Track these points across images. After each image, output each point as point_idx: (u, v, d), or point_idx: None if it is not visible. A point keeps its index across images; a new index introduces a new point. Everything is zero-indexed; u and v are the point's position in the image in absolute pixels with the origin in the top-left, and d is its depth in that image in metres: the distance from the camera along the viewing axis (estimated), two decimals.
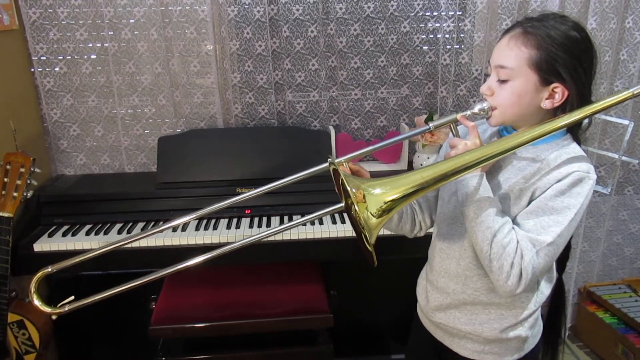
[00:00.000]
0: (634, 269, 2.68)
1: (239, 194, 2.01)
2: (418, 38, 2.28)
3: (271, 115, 2.33)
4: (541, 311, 1.31)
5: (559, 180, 1.06)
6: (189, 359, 1.95)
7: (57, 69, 2.18)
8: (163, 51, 2.18)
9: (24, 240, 1.88)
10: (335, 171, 1.01)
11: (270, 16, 2.18)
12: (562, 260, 1.29)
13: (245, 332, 1.91)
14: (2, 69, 1.97)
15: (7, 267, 1.72)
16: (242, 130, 2.22)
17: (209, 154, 2.12)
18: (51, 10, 2.10)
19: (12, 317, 1.86)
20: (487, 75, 1.15)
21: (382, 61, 2.30)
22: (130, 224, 1.99)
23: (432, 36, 2.28)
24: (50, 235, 1.91)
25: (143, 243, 1.84)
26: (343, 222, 1.97)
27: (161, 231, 1.26)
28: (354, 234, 1.01)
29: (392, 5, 2.22)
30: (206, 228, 1.94)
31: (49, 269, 1.17)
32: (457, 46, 2.27)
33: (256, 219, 2.02)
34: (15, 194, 1.75)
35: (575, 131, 1.16)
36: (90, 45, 2.17)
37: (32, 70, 2.17)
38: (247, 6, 2.16)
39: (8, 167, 1.75)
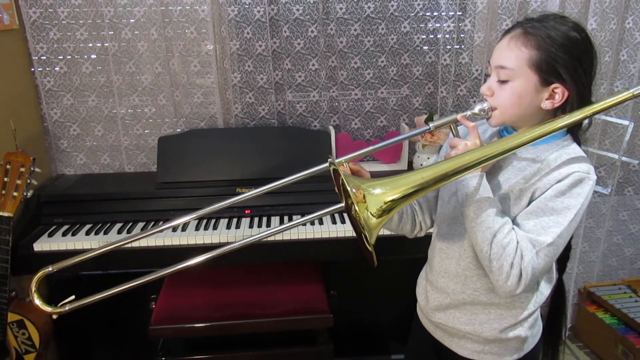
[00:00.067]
0: (634, 270, 2.68)
1: (239, 194, 2.01)
2: (418, 38, 2.28)
3: (271, 115, 2.33)
4: (541, 311, 1.31)
5: (559, 181, 1.07)
6: (189, 358, 1.95)
7: (57, 68, 2.18)
8: (163, 51, 2.18)
9: (24, 240, 1.88)
10: (336, 171, 1.01)
11: (270, 16, 2.18)
12: (563, 261, 1.29)
13: (245, 332, 1.91)
14: (2, 69, 1.97)
15: (7, 266, 1.72)
16: (242, 130, 2.22)
17: (209, 154, 2.12)
18: (51, 10, 2.10)
19: (12, 317, 1.86)
20: (487, 76, 1.16)
21: (382, 61, 2.30)
22: (130, 224, 1.99)
23: (432, 36, 2.28)
24: (50, 235, 1.91)
25: (143, 243, 1.84)
26: (343, 222, 1.97)
27: (161, 231, 1.26)
28: (354, 234, 1.01)
29: (392, 6, 2.22)
30: (206, 228, 1.94)
31: (50, 269, 1.17)
32: (457, 46, 2.27)
33: (256, 219, 2.02)
34: (15, 194, 1.75)
35: (575, 132, 1.16)
36: (91, 45, 2.17)
37: (32, 69, 2.17)
38: (247, 6, 2.16)
39: (8, 166, 1.75)
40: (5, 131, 1.87)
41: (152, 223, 2.01)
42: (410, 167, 2.34)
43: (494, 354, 1.26)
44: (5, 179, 1.75)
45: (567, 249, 1.19)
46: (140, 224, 2.00)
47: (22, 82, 2.12)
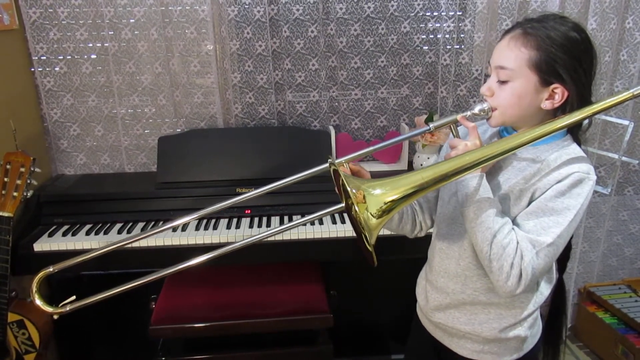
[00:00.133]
0: (634, 270, 2.68)
1: (239, 193, 2.02)
2: (418, 38, 2.28)
3: (271, 115, 2.33)
4: (541, 311, 1.31)
5: (559, 181, 1.07)
6: (189, 358, 1.95)
7: (57, 68, 2.18)
8: (163, 51, 2.18)
9: (24, 240, 1.88)
10: (336, 172, 1.01)
11: (270, 16, 2.18)
12: (563, 261, 1.29)
13: (245, 332, 1.91)
14: (2, 69, 1.97)
15: (7, 266, 1.73)
16: (242, 130, 2.22)
17: (209, 154, 2.12)
18: (51, 10, 2.10)
19: (12, 317, 1.86)
20: (487, 76, 1.16)
21: (382, 61, 2.30)
22: (130, 224, 1.99)
23: (432, 36, 2.28)
24: (50, 235, 1.91)
25: (143, 243, 1.84)
26: (343, 222, 1.97)
27: (164, 230, 1.26)
28: (354, 234, 1.01)
29: (392, 6, 2.22)
30: (206, 228, 1.94)
31: (51, 269, 1.17)
32: (457, 46, 2.27)
33: (256, 219, 2.02)
34: (15, 194, 1.75)
35: (575, 132, 1.16)
36: (91, 45, 2.17)
37: (32, 70, 2.17)
38: (247, 6, 2.16)
39: (8, 166, 1.76)
40: (5, 131, 1.87)
41: (152, 223, 2.01)
42: (410, 167, 2.34)
43: (494, 353, 1.26)
44: (5, 179, 1.75)
45: (567, 248, 1.19)
46: (140, 224, 2.00)
47: (22, 82, 2.13)
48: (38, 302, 1.13)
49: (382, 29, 2.25)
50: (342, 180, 0.98)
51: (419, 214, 1.39)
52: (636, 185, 2.51)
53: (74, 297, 1.15)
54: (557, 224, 1.05)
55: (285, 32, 2.20)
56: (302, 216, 2.02)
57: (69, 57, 2.17)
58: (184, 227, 1.93)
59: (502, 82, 1.10)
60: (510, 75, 1.08)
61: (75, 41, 2.15)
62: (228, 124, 2.32)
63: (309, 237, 1.92)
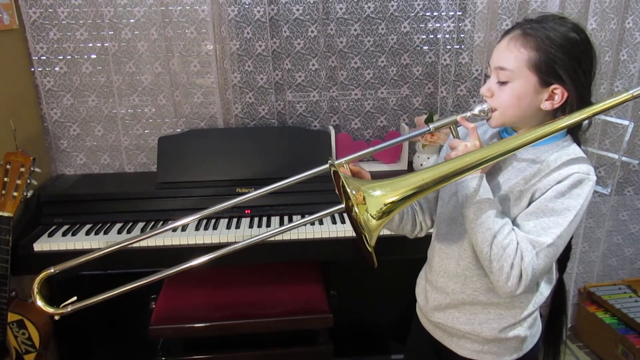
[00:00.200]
0: (634, 270, 2.68)
1: (239, 193, 2.03)
2: (418, 38, 2.28)
3: (271, 115, 2.33)
4: (542, 311, 1.31)
5: (559, 182, 1.07)
6: (189, 358, 1.95)
7: (57, 68, 2.18)
8: (163, 51, 2.18)
9: (24, 240, 1.88)
10: (336, 173, 1.01)
11: (270, 16, 2.18)
12: (563, 261, 1.29)
13: (245, 332, 1.91)
14: (2, 69, 1.97)
15: (7, 266, 1.73)
16: (242, 130, 2.22)
17: (209, 154, 2.12)
18: (51, 10, 2.10)
19: (12, 317, 1.86)
20: (487, 76, 1.16)
21: (382, 61, 2.30)
22: (131, 224, 1.99)
23: (432, 36, 2.28)
24: (50, 235, 1.91)
25: (143, 243, 1.84)
26: (343, 222, 1.97)
27: (167, 230, 1.26)
28: (354, 234, 1.01)
29: (392, 6, 2.22)
30: (206, 228, 1.94)
31: (52, 270, 1.18)
32: (457, 46, 2.27)
33: (256, 219, 2.02)
34: (15, 194, 1.75)
35: (575, 132, 1.16)
36: (91, 45, 2.17)
37: (32, 69, 2.17)
38: (247, 6, 2.16)
39: (8, 166, 1.76)
40: (5, 131, 1.87)
41: (152, 223, 2.01)
42: (410, 167, 2.34)
43: (493, 353, 1.26)
44: (5, 179, 1.75)
45: (567, 249, 1.19)
46: (140, 224, 2.00)
47: (22, 82, 2.13)
48: (39, 303, 1.13)
49: (382, 29, 2.25)
50: (342, 181, 0.98)
51: (419, 214, 1.39)
52: (636, 185, 2.51)
53: (75, 298, 1.16)
54: (557, 224, 1.06)
55: (285, 32, 2.20)
56: (302, 216, 2.04)
57: (69, 57, 2.17)
58: (184, 227, 1.93)
59: (502, 83, 1.10)
60: (510, 76, 1.08)
61: (75, 41, 2.15)
62: (228, 124, 2.32)
63: (309, 237, 1.92)
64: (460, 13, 2.23)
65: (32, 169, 1.78)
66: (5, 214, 1.73)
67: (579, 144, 1.16)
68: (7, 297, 1.74)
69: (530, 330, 1.25)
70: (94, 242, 1.87)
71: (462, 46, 2.29)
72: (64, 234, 1.92)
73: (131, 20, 2.13)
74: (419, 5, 2.23)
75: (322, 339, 1.99)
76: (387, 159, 2.36)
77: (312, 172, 1.17)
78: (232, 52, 2.22)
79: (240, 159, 2.12)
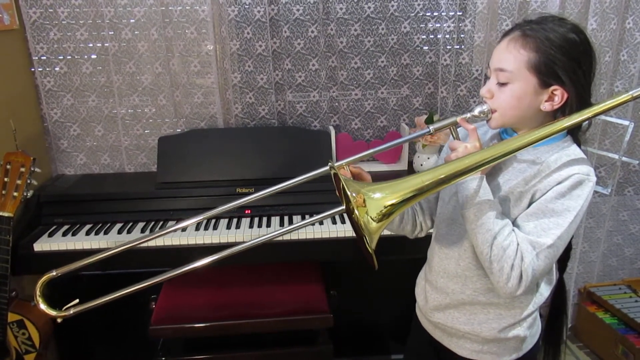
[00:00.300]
0: (634, 270, 2.68)
1: (239, 194, 2.03)
2: (418, 38, 2.28)
3: (271, 115, 2.33)
4: (542, 311, 1.32)
5: (559, 183, 1.07)
6: (189, 359, 1.95)
7: (57, 68, 2.18)
8: (163, 51, 2.18)
9: (24, 240, 1.88)
10: (336, 176, 1.02)
11: (270, 16, 2.18)
12: (563, 261, 1.29)
13: (245, 332, 1.91)
14: (2, 69, 1.98)
15: (7, 266, 1.73)
16: (242, 130, 2.22)
17: (209, 154, 2.12)
18: (51, 10, 2.10)
19: (12, 317, 1.87)
20: (487, 77, 1.16)
21: (382, 61, 2.30)
22: (131, 224, 1.99)
23: (432, 36, 2.28)
24: (50, 235, 1.91)
25: (143, 243, 1.84)
26: (343, 222, 1.97)
27: (173, 231, 1.26)
28: (354, 234, 1.02)
29: (393, 6, 2.22)
30: (206, 228, 1.94)
31: (54, 273, 1.18)
32: (458, 46, 2.27)
33: (256, 219, 2.02)
34: (15, 194, 1.75)
35: (575, 133, 1.16)
36: (91, 45, 2.17)
37: (33, 70, 2.17)
38: (247, 6, 2.16)
39: (8, 166, 1.76)
40: (5, 131, 1.87)
41: (152, 223, 2.01)
42: (411, 167, 2.34)
43: (493, 353, 1.26)
44: (6, 179, 1.75)
45: (568, 249, 1.19)
46: (141, 224, 2.00)
47: (22, 82, 2.13)
48: (42, 306, 1.14)
49: (382, 29, 2.25)
50: (343, 184, 0.98)
51: (419, 214, 1.39)
52: (636, 185, 2.51)
53: (77, 301, 1.16)
54: (557, 225, 1.06)
55: (285, 32, 2.20)
56: (302, 216, 2.04)
57: (69, 57, 2.17)
58: (184, 228, 1.93)
59: (502, 84, 1.10)
60: (510, 78, 1.08)
61: (75, 41, 2.15)
62: (228, 124, 2.32)
63: (309, 237, 1.92)
64: (460, 13, 2.23)
65: (32, 169, 1.78)
66: (6, 214, 1.73)
67: (579, 145, 1.16)
68: (7, 297, 1.74)
69: (530, 330, 1.25)
70: (94, 242, 1.87)
71: (462, 46, 2.29)
72: (64, 234, 1.92)
73: (131, 21, 2.13)
74: (419, 5, 2.23)
75: (322, 339, 1.99)
76: (387, 159, 2.36)
77: (312, 174, 1.17)
78: (232, 52, 2.22)
79: (240, 159, 2.12)
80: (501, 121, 1.13)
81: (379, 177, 1.16)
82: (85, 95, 2.23)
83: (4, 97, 1.96)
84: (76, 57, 2.17)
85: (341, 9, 2.21)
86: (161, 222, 2.01)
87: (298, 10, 2.17)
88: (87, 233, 1.93)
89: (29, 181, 1.77)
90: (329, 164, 1.07)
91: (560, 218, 1.06)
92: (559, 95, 1.07)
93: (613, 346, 2.40)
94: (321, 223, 1.96)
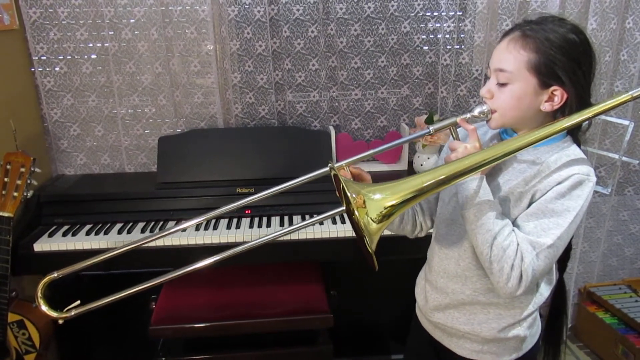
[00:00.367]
0: (634, 270, 2.68)
1: (239, 194, 2.03)
2: (418, 38, 2.28)
3: (271, 115, 2.33)
4: (542, 311, 1.32)
5: (559, 183, 1.07)
6: (189, 359, 1.95)
7: (57, 68, 2.18)
8: (163, 51, 2.18)
9: (24, 240, 1.88)
10: (336, 176, 1.02)
11: (270, 16, 2.18)
12: (563, 261, 1.29)
13: (246, 332, 1.91)
14: (2, 69, 1.98)
15: (7, 267, 1.73)
16: (243, 130, 2.22)
17: (209, 154, 2.12)
18: (51, 10, 2.10)
19: (12, 317, 1.87)
20: (487, 77, 1.16)
21: (382, 61, 2.30)
22: (131, 224, 1.99)
23: (432, 36, 2.28)
24: (50, 235, 1.91)
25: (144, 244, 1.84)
26: (343, 222, 1.97)
27: (178, 230, 1.26)
28: (354, 234, 1.02)
29: (393, 6, 2.22)
30: (206, 228, 1.94)
31: (55, 275, 1.18)
32: (458, 46, 2.27)
33: (256, 219, 2.02)
34: (15, 194, 1.75)
35: (575, 133, 1.16)
36: (91, 45, 2.17)
37: (33, 70, 2.17)
38: (247, 6, 2.16)
39: (8, 166, 1.76)
40: (5, 131, 1.87)
41: (153, 223, 2.01)
42: (411, 167, 2.34)
43: (493, 353, 1.26)
44: (6, 179, 1.75)
45: (568, 249, 1.19)
46: (141, 224, 2.00)
47: (22, 82, 2.13)
48: (44, 307, 1.14)
49: (382, 29, 2.25)
50: (343, 185, 0.98)
51: (419, 214, 1.39)
52: (636, 185, 2.51)
53: (78, 302, 1.16)
54: (557, 225, 1.06)
55: (285, 32, 2.20)
56: (302, 216, 2.04)
57: (69, 57, 2.17)
58: (184, 228, 1.93)
59: (502, 85, 1.10)
60: (510, 78, 1.08)
61: (75, 41, 2.15)
62: (228, 124, 2.32)
63: (309, 237, 1.92)
64: (460, 13, 2.23)
65: (32, 169, 1.78)
66: (6, 214, 1.73)
67: (579, 145, 1.16)
68: (7, 297, 1.74)
69: (529, 330, 1.25)
70: (94, 243, 1.87)
71: (462, 46, 2.29)
72: (64, 234, 1.92)
73: (131, 21, 2.13)
74: (419, 5, 2.23)
75: (322, 339, 1.99)
76: (387, 159, 2.36)
77: (313, 175, 1.18)
78: (232, 52, 2.22)
79: (240, 159, 2.12)
80: (501, 121, 1.13)
81: (379, 177, 1.16)
82: (85, 95, 2.23)
83: (4, 97, 1.97)
84: (76, 57, 2.17)
85: (341, 9, 2.21)
86: (161, 222, 2.01)
87: (298, 10, 2.17)
88: (87, 233, 1.93)
89: (29, 181, 1.77)
90: (329, 164, 1.07)
91: (560, 218, 1.06)
92: (559, 95, 1.07)
93: (613, 346, 2.40)
94: (321, 223, 1.96)
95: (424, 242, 1.42)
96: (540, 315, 1.32)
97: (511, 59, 1.07)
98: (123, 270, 1.87)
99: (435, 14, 2.24)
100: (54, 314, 1.14)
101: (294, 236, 1.90)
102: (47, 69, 2.18)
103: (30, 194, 1.80)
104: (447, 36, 2.25)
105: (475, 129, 1.13)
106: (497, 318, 1.23)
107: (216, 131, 2.24)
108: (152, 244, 1.83)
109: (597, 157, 2.35)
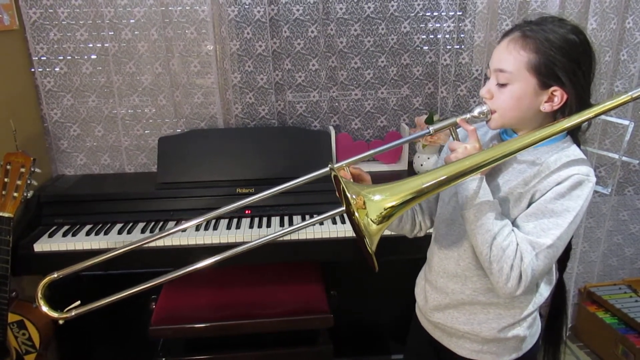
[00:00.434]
0: (634, 269, 2.68)
1: (239, 194, 2.03)
2: (418, 38, 2.28)
3: (271, 116, 2.33)
4: (542, 311, 1.32)
5: (558, 183, 1.07)
6: (189, 359, 1.95)
7: (57, 69, 2.18)
8: (163, 51, 2.18)
9: (24, 240, 1.88)
10: (336, 177, 1.02)
11: (270, 16, 2.18)
12: (563, 261, 1.29)
13: (246, 332, 1.91)
14: (2, 69, 1.98)
15: (7, 267, 1.73)
16: (243, 131, 2.22)
17: (209, 154, 2.12)
18: (51, 11, 2.10)
19: (12, 317, 1.87)
20: (487, 77, 1.16)
21: (382, 61, 2.30)
22: (131, 224, 1.99)
23: (432, 36, 2.28)
24: (50, 236, 1.91)
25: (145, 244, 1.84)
26: (343, 222, 1.97)
27: (179, 231, 1.26)
28: (354, 234, 1.02)
29: (393, 6, 2.22)
30: (206, 228, 1.94)
31: (55, 275, 1.18)
32: (458, 46, 2.27)
33: (256, 220, 2.02)
34: (15, 194, 1.75)
35: (575, 133, 1.16)
36: (91, 45, 2.17)
37: (33, 70, 2.17)
38: (247, 6, 2.16)
39: (8, 167, 1.76)
40: (5, 131, 1.87)
41: (153, 223, 2.01)
42: (411, 167, 2.34)
43: (493, 353, 1.26)
44: (6, 180, 1.75)
45: (567, 249, 1.19)
46: (141, 225, 2.00)
47: (22, 83, 2.13)
48: (44, 308, 1.14)
49: (382, 29, 2.25)
50: (343, 186, 0.98)
51: (418, 214, 1.39)
52: (636, 185, 2.51)
53: (78, 302, 1.16)
54: (556, 225, 1.06)
55: (285, 32, 2.20)
56: (303, 216, 2.04)
57: (69, 57, 2.17)
58: (184, 228, 1.93)
59: (502, 85, 1.10)
60: (510, 78, 1.08)
61: (75, 41, 2.15)
62: (228, 124, 2.32)
63: (309, 237, 1.92)
64: (460, 13, 2.23)
65: (32, 169, 1.78)
66: (6, 215, 1.73)
67: (578, 145, 1.16)
68: (7, 297, 1.74)
69: (529, 330, 1.25)
70: (94, 243, 1.87)
71: (462, 46, 2.29)
72: (64, 235, 1.92)
73: (131, 21, 2.13)
74: (419, 5, 2.23)
75: (322, 339, 1.99)
76: (387, 159, 2.36)
77: (312, 175, 1.18)
78: (232, 53, 2.22)
79: (240, 159, 2.12)
80: (501, 122, 1.13)
81: (379, 177, 1.16)
82: (85, 96, 2.23)
83: (4, 97, 1.97)
84: (76, 57, 2.17)
85: (341, 9, 2.21)
86: (161, 223, 2.01)
87: (298, 10, 2.17)
88: (87, 233, 1.93)
89: (29, 181, 1.78)
90: (329, 165, 1.07)
91: (560, 218, 1.06)
92: (559, 96, 1.07)
93: (613, 346, 2.40)
94: (321, 223, 1.96)
95: (424, 242, 1.42)
96: (540, 315, 1.32)
97: (511, 60, 1.07)
98: (123, 271, 1.87)
99: (435, 14, 2.24)
100: (54, 314, 1.14)
101: (294, 236, 1.90)
102: (47, 69, 2.18)
103: (30, 194, 1.80)
104: (447, 36, 2.25)
105: (475, 130, 1.13)
106: (497, 318, 1.23)
107: (216, 131, 2.24)
108: (153, 244, 1.83)
109: (597, 157, 2.35)
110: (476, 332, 1.25)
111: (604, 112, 1.08)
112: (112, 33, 2.14)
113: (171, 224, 2.00)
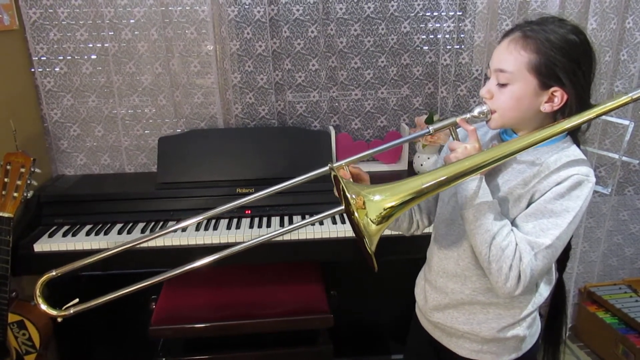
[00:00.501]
0: (634, 269, 2.68)
1: (239, 194, 2.03)
2: (418, 38, 2.28)
3: (271, 116, 2.33)
4: (541, 311, 1.32)
5: (558, 184, 1.07)
6: (189, 359, 1.95)
7: (57, 69, 2.18)
8: (163, 51, 2.18)
9: (24, 241, 1.88)
10: (336, 177, 1.02)
11: (270, 16, 2.18)
12: (563, 261, 1.29)
13: (246, 332, 1.91)
14: (2, 69, 1.98)
15: (7, 267, 1.73)
16: (243, 131, 2.22)
17: (209, 154, 2.12)
18: (51, 11, 2.10)
19: (12, 318, 1.87)
20: (487, 77, 1.16)
21: (382, 61, 2.30)
22: (131, 224, 1.99)
23: (432, 36, 2.28)
24: (50, 236, 1.91)
25: (143, 243, 1.84)
26: (343, 222, 1.97)
27: (176, 230, 1.26)
28: (354, 234, 1.02)
29: (393, 6, 2.22)
30: (206, 228, 1.95)
31: (53, 273, 1.18)
32: (458, 46, 2.27)
33: (256, 219, 2.02)
34: (15, 194, 1.75)
35: (575, 133, 1.16)
36: (91, 45, 2.17)
37: (33, 70, 2.17)
38: (247, 6, 2.16)
39: (8, 167, 1.76)
40: (5, 131, 1.87)
41: (153, 223, 2.01)
42: (411, 167, 2.34)
43: (493, 353, 1.26)
44: (6, 180, 1.75)
45: (567, 249, 1.19)
46: (141, 225, 2.00)
47: (22, 83, 2.13)
48: (42, 306, 1.14)
49: (382, 29, 2.25)
50: (342, 186, 0.98)
51: (416, 212, 1.39)
52: (636, 185, 2.51)
53: (77, 300, 1.16)
54: (556, 226, 1.06)
55: (285, 32, 2.20)
56: (302, 216, 2.04)
57: (69, 57, 2.17)
58: (184, 228, 1.93)
59: (502, 85, 1.09)
60: (510, 79, 1.08)
61: (75, 41, 2.15)
62: (228, 124, 2.32)
63: (309, 237, 1.92)
64: (460, 13, 2.23)
65: (32, 169, 1.78)
66: (6, 215, 1.73)
67: (578, 145, 1.16)
68: (7, 297, 1.74)
69: (529, 330, 1.25)
70: (94, 243, 1.87)
71: (462, 46, 2.29)
72: (64, 235, 1.92)
73: (131, 21, 2.14)
74: (419, 5, 2.23)
75: (322, 339, 1.99)
76: (387, 159, 2.36)
77: (312, 175, 1.18)
78: (232, 53, 2.22)
79: (240, 159, 2.12)
80: (501, 122, 1.13)
81: (379, 177, 1.17)
82: (85, 96, 2.23)
83: (4, 97, 1.97)
84: (76, 57, 2.17)
85: (341, 9, 2.21)
86: (161, 223, 2.01)
87: (298, 10, 2.17)
88: (87, 233, 1.93)
89: (29, 182, 1.78)
90: (329, 165, 1.07)
91: (559, 219, 1.06)
92: (559, 96, 1.06)
93: (613, 346, 2.40)
94: (321, 223, 1.96)
95: (424, 242, 1.42)
96: (540, 315, 1.32)
97: (511, 60, 1.07)
98: (122, 271, 1.87)
99: (435, 14, 2.24)
100: (52, 312, 1.14)
101: (294, 236, 1.90)
102: (47, 69, 2.18)
103: (30, 194, 1.80)
104: (447, 36, 2.25)
105: (475, 130, 1.13)
106: (496, 318, 1.23)
107: (216, 131, 2.24)
108: (152, 244, 1.85)
109: (597, 157, 2.35)
110: (476, 332, 1.25)
111: (604, 114, 1.08)
112: (112, 33, 2.14)
113: (171, 224, 2.00)
